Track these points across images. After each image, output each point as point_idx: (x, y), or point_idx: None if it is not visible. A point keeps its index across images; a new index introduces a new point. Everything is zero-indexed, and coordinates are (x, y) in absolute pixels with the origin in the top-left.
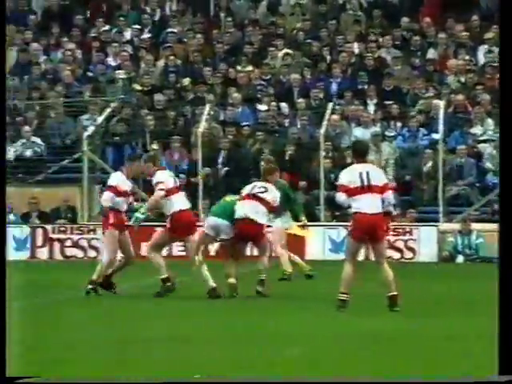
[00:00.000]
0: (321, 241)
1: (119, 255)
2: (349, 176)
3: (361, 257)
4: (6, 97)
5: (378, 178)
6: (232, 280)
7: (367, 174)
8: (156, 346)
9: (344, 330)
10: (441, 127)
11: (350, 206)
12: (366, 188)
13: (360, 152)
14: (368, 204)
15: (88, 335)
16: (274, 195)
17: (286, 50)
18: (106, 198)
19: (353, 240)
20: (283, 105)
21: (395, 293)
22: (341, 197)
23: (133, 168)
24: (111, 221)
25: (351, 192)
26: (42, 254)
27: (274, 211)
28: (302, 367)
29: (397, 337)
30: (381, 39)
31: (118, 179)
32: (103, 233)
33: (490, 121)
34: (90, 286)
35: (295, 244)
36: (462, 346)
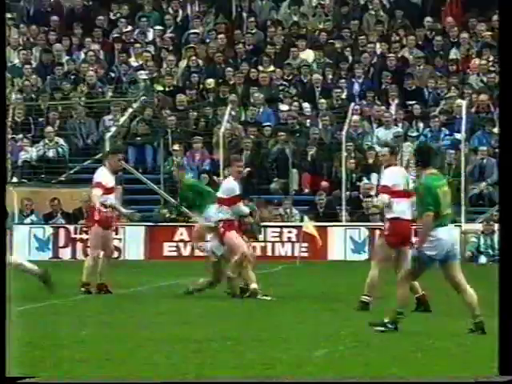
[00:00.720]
0: (342, 241)
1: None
2: (394, 178)
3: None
4: (5, 97)
5: (409, 182)
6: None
7: (407, 177)
8: (176, 347)
9: (356, 330)
10: (463, 127)
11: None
12: (406, 193)
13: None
14: (408, 209)
15: (102, 335)
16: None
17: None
18: (95, 193)
19: (388, 245)
20: (305, 105)
21: (423, 293)
22: (384, 198)
23: (115, 161)
24: (96, 218)
25: (394, 195)
26: (65, 254)
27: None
28: (330, 367)
29: (400, 337)
30: (403, 39)
31: (103, 176)
32: (88, 230)
33: None
34: (83, 289)
35: (315, 244)
36: (482, 346)
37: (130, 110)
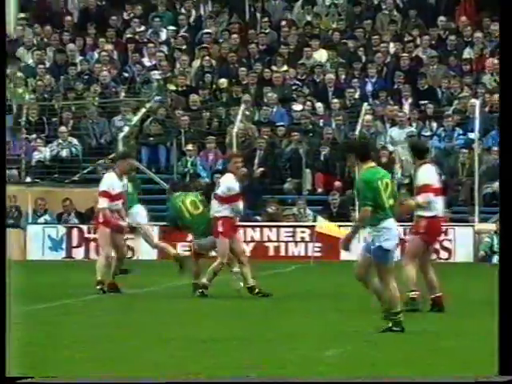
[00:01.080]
0: (355, 241)
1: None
2: (432, 176)
3: None
4: (5, 97)
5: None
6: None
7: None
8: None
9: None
10: (477, 127)
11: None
12: (440, 190)
13: (427, 151)
14: (441, 207)
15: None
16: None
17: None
18: (101, 203)
19: (424, 243)
20: (318, 105)
21: (440, 294)
22: (429, 197)
23: (125, 165)
24: (101, 220)
25: (434, 193)
26: (78, 253)
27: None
28: (339, 366)
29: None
30: (417, 39)
31: (108, 184)
32: (95, 231)
33: None
34: (98, 287)
35: (333, 244)
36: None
37: (144, 110)
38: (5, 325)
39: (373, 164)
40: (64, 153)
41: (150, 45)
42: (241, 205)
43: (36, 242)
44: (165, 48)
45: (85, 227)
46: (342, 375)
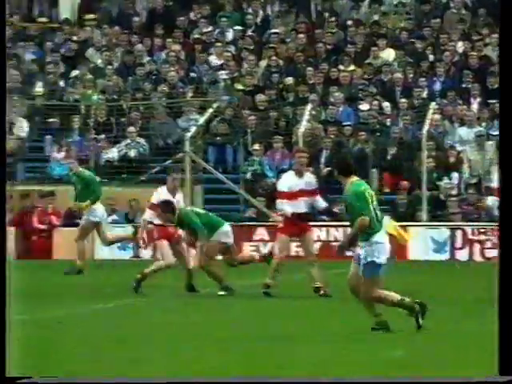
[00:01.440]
0: (423, 241)
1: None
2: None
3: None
4: (6, 97)
5: None
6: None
7: None
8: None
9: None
10: None
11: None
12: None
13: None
14: None
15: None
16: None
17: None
18: (146, 215)
19: None
20: (385, 104)
21: None
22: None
23: (170, 182)
24: (155, 236)
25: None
26: (145, 253)
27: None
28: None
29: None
30: (486, 38)
31: (159, 198)
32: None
33: None
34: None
35: (400, 244)
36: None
37: (211, 110)
38: (5, 325)
39: (356, 178)
40: (132, 153)
41: (217, 45)
42: (319, 201)
43: None
44: (232, 48)
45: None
46: (336, 375)
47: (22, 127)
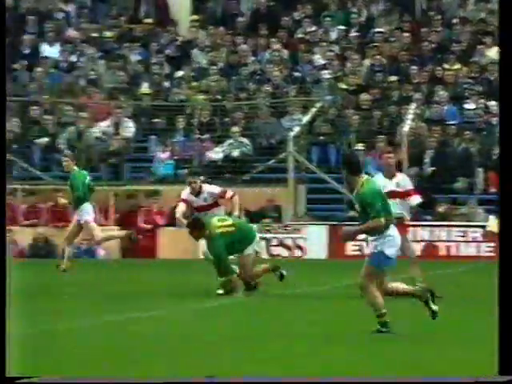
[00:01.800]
0: None
1: None
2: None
3: None
4: (5, 96)
5: None
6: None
7: None
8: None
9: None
10: None
11: None
12: None
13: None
14: None
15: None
16: None
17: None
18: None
19: None
20: (491, 103)
21: None
22: None
23: (193, 184)
24: None
25: None
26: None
27: None
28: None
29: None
30: None
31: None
32: None
33: None
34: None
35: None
36: None
37: (314, 110)
38: (5, 325)
39: (366, 176)
40: (235, 153)
41: (322, 44)
42: (412, 200)
43: None
44: (335, 47)
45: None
46: (337, 375)
47: (128, 127)
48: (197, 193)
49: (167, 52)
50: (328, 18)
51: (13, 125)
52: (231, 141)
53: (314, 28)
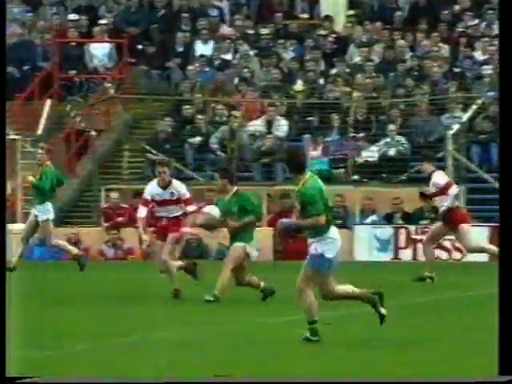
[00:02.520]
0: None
1: None
2: None
3: None
4: (5, 96)
5: None
6: None
7: None
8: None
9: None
10: None
11: None
12: None
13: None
14: None
15: None
16: None
17: None
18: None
19: None
20: None
21: None
22: None
23: (162, 174)
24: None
25: None
26: (405, 255)
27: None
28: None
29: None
30: None
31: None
32: None
33: None
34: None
35: None
36: None
37: (474, 107)
38: (5, 325)
39: (310, 173)
40: (392, 152)
41: (484, 39)
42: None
43: (363, 242)
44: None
45: (412, 228)
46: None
47: (281, 126)
48: (166, 185)
49: (323, 48)
50: (491, 11)
51: (166, 124)
52: (387, 139)
53: (475, 21)
